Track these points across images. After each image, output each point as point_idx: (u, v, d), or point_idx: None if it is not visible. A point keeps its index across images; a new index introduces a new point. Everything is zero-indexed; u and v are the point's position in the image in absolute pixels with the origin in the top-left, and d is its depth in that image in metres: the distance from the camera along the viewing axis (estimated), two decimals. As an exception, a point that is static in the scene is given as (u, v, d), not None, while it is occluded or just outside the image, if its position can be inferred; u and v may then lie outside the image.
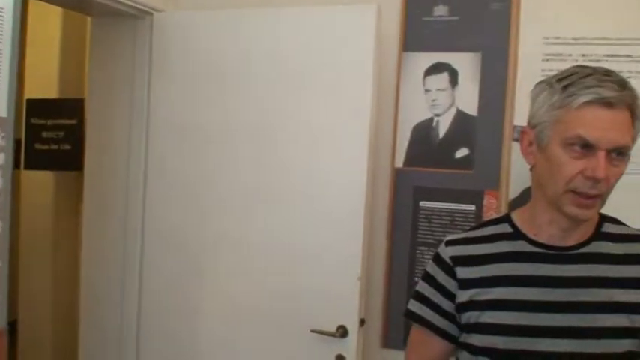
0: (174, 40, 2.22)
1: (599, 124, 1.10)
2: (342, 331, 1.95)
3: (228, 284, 2.14)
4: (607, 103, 1.10)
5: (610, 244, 1.24)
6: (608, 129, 1.10)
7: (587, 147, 1.11)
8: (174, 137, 2.22)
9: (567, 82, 1.14)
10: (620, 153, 1.13)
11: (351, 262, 1.96)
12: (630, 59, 1.92)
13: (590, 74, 1.13)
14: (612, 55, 1.93)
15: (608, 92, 1.10)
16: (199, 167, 2.18)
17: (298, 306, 2.03)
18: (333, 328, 1.95)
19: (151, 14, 2.24)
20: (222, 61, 2.14)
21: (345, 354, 1.95)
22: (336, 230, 1.99)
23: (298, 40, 2.05)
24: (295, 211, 2.05)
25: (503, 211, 1.98)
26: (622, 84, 1.13)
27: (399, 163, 2.13)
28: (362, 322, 1.98)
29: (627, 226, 1.29)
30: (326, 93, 2.02)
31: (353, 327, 1.95)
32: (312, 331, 1.98)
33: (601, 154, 1.10)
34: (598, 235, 1.25)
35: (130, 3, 2.15)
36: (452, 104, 2.08)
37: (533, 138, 1.20)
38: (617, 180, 1.15)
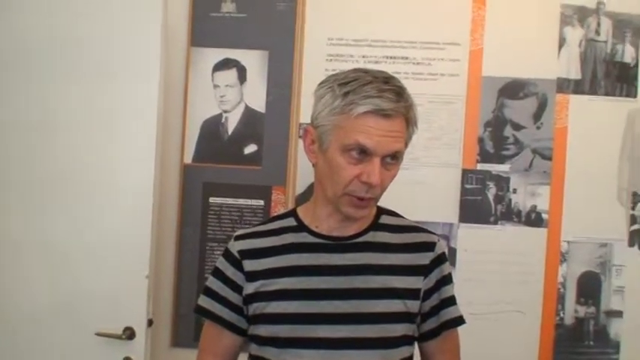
0: None
1: (376, 133, 1.22)
2: (129, 333, 1.98)
3: (6, 288, 2.07)
4: (385, 115, 1.22)
5: (386, 234, 1.38)
6: (385, 137, 1.22)
7: (363, 153, 1.23)
8: None
9: (348, 88, 1.24)
10: (394, 157, 1.27)
11: (139, 260, 1.99)
12: (407, 61, 2.21)
13: (370, 82, 1.24)
14: (391, 57, 2.21)
15: (386, 104, 1.22)
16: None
17: (82, 308, 2.02)
18: (119, 330, 1.98)
19: None
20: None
21: (132, 356, 1.98)
22: (123, 228, 2.01)
23: (83, 28, 2.03)
24: (79, 208, 2.04)
25: (291, 205, 2.15)
26: (399, 94, 1.25)
27: (188, 158, 2.22)
28: (150, 322, 2.02)
29: (403, 217, 1.47)
30: (112, 86, 2.02)
31: (140, 328, 1.99)
32: (97, 334, 1.99)
33: (376, 161, 1.23)
34: (376, 225, 1.39)
35: None
36: (240, 101, 2.21)
37: (315, 137, 1.30)
38: (391, 180, 1.31)
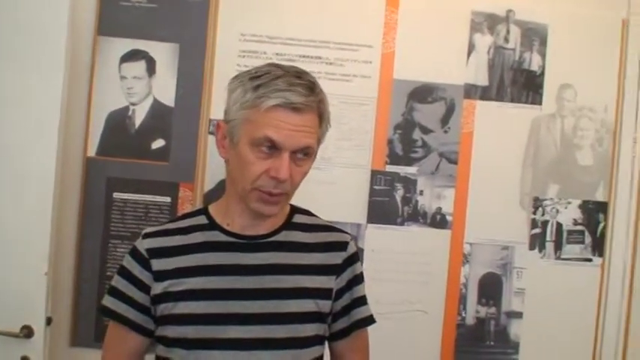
0: None
1: (286, 127, 1.23)
2: (27, 332, 1.94)
3: None
4: (294, 108, 1.23)
5: (299, 233, 1.40)
6: (295, 132, 1.24)
7: (273, 148, 1.24)
8: None
9: (259, 82, 1.24)
10: (305, 153, 1.28)
11: (37, 256, 1.95)
12: (320, 61, 2.25)
13: (281, 76, 1.25)
14: (304, 56, 2.24)
15: (296, 98, 1.23)
16: None
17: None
18: (17, 329, 1.94)
19: None
20: None
21: (30, 355, 1.95)
22: (21, 222, 1.97)
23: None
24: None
25: (199, 203, 2.16)
26: (311, 88, 1.26)
27: (92, 151, 2.18)
28: (49, 320, 1.99)
29: (317, 216, 1.50)
30: (15, 74, 1.98)
31: (39, 326, 1.95)
32: (-7, 332, 1.92)
33: (285, 156, 1.24)
34: (289, 225, 1.41)
35: None
36: (149, 93, 2.19)
37: (226, 132, 1.30)
38: (303, 177, 1.33)
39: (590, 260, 2.33)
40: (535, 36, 2.30)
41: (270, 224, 1.38)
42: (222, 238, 1.36)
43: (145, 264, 1.35)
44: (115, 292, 1.38)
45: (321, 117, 1.30)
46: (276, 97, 1.23)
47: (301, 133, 1.25)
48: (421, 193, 2.25)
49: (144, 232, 1.40)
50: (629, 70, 2.35)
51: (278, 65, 1.31)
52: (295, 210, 1.45)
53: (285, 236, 1.39)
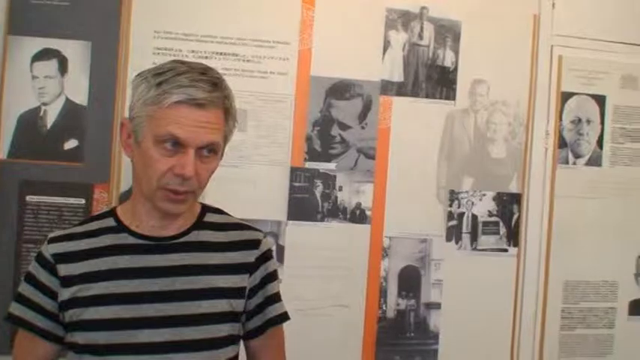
0: None
1: (189, 123, 1.23)
2: None
3: None
4: (198, 104, 1.23)
5: (210, 232, 1.40)
6: (198, 128, 1.24)
7: (177, 145, 1.24)
8: None
9: (162, 78, 1.24)
10: (211, 150, 1.28)
11: None
12: (237, 58, 2.25)
13: (185, 72, 1.25)
14: (220, 53, 2.24)
15: (199, 93, 1.23)
16: None
17: None
18: None
19: None
20: None
21: None
22: None
23: None
24: None
25: (114, 203, 2.14)
26: (215, 84, 1.26)
27: (3, 154, 2.14)
28: None
29: (229, 215, 1.50)
30: None
31: None
32: None
33: (190, 152, 1.24)
34: (199, 224, 1.41)
35: None
36: (60, 93, 2.16)
37: (131, 130, 1.30)
38: (210, 174, 1.33)
39: (505, 250, 2.43)
40: (448, 33, 2.38)
41: (180, 224, 1.38)
42: (131, 240, 1.35)
43: (51, 269, 1.33)
44: (22, 299, 1.36)
45: (227, 113, 1.30)
46: (178, 93, 1.23)
47: (205, 129, 1.25)
48: (340, 188, 2.31)
49: (49, 236, 1.38)
50: (541, 65, 2.45)
51: (183, 62, 1.31)
52: (206, 209, 1.45)
53: (195, 236, 1.39)
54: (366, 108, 2.31)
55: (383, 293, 2.34)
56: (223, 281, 1.37)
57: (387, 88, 2.33)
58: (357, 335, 2.33)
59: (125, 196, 2.16)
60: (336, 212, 2.31)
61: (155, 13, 2.23)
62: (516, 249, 2.44)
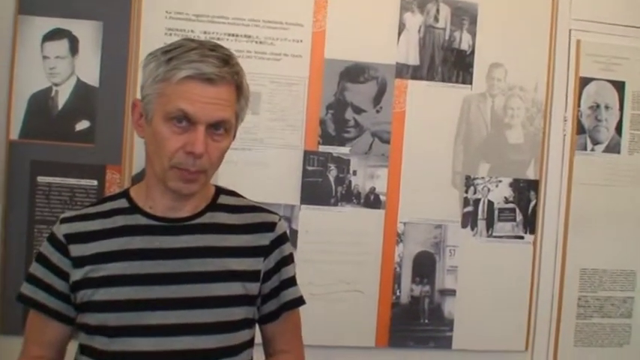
0: None
1: (199, 99, 1.21)
2: None
3: None
4: (208, 79, 1.21)
5: (225, 214, 1.38)
6: (209, 104, 1.21)
7: (188, 121, 1.22)
8: None
9: (171, 55, 1.22)
10: (222, 128, 1.25)
11: None
12: (249, 39, 2.24)
13: (194, 48, 1.23)
14: (233, 35, 2.23)
15: (208, 68, 1.21)
16: None
17: None
18: None
19: None
20: None
21: None
22: None
23: None
24: None
25: (127, 185, 2.14)
26: (225, 60, 1.24)
27: (15, 134, 2.15)
28: None
29: (243, 197, 1.48)
30: None
31: None
32: None
33: (200, 129, 1.22)
34: (214, 206, 1.38)
35: None
36: (72, 73, 2.16)
37: (142, 110, 1.28)
38: (222, 154, 1.31)
39: (521, 238, 2.41)
40: (465, 15, 2.35)
41: (193, 206, 1.36)
42: (144, 221, 1.33)
43: (63, 250, 1.32)
44: (34, 280, 1.35)
45: (238, 90, 1.28)
46: (188, 69, 1.21)
47: (215, 105, 1.23)
48: (354, 173, 2.29)
49: (61, 216, 1.36)
50: (559, 50, 2.42)
51: (193, 39, 1.29)
52: (220, 191, 1.43)
53: (210, 218, 1.37)
54: (381, 91, 2.29)
55: (397, 279, 2.33)
56: (237, 264, 1.35)
57: (402, 71, 2.31)
58: (371, 321, 2.33)
59: (139, 178, 2.15)
60: (350, 197, 2.29)
61: (167, -6, 2.21)
62: (532, 236, 2.41)
